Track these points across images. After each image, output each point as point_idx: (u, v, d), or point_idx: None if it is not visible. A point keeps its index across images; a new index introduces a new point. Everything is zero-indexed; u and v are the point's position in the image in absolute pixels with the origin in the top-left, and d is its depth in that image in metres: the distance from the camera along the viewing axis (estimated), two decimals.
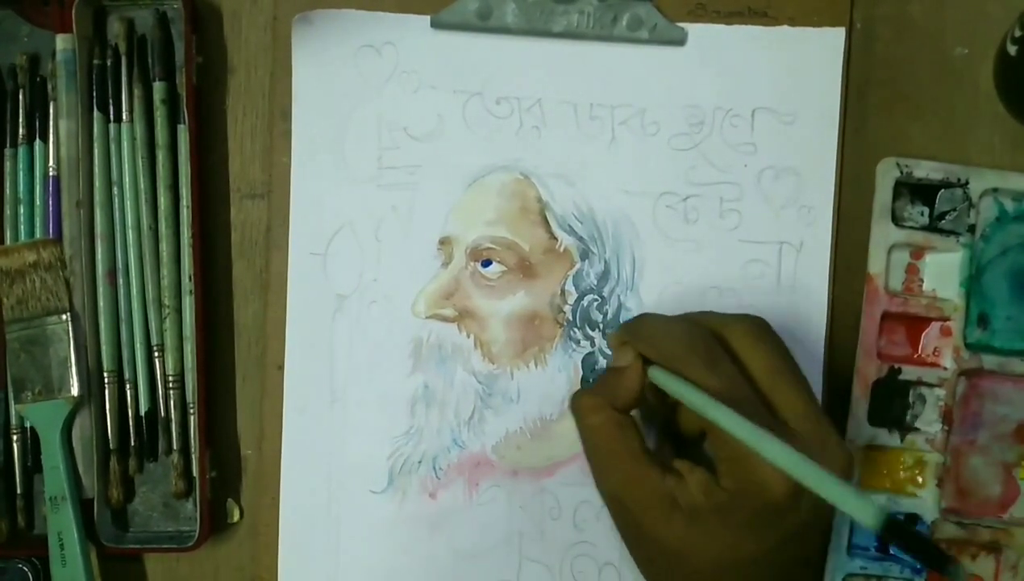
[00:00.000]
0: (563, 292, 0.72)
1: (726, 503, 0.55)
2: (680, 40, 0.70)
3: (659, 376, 0.59)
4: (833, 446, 0.56)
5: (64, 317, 0.70)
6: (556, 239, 0.71)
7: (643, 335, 0.62)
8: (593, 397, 0.61)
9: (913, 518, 0.73)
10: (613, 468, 0.59)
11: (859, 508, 0.44)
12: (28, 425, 0.72)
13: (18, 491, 0.72)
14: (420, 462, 0.72)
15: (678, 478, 0.57)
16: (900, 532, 0.43)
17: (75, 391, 0.70)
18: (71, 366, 0.70)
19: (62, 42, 0.70)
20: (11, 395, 0.71)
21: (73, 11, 0.69)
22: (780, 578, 0.57)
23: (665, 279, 0.71)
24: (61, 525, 0.70)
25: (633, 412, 0.62)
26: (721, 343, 0.59)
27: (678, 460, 0.59)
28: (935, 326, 0.73)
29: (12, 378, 0.71)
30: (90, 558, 0.70)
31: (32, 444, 0.72)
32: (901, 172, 0.72)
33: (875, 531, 0.44)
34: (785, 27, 0.70)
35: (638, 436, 0.59)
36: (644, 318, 0.65)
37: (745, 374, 0.58)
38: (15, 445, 0.72)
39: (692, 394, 0.55)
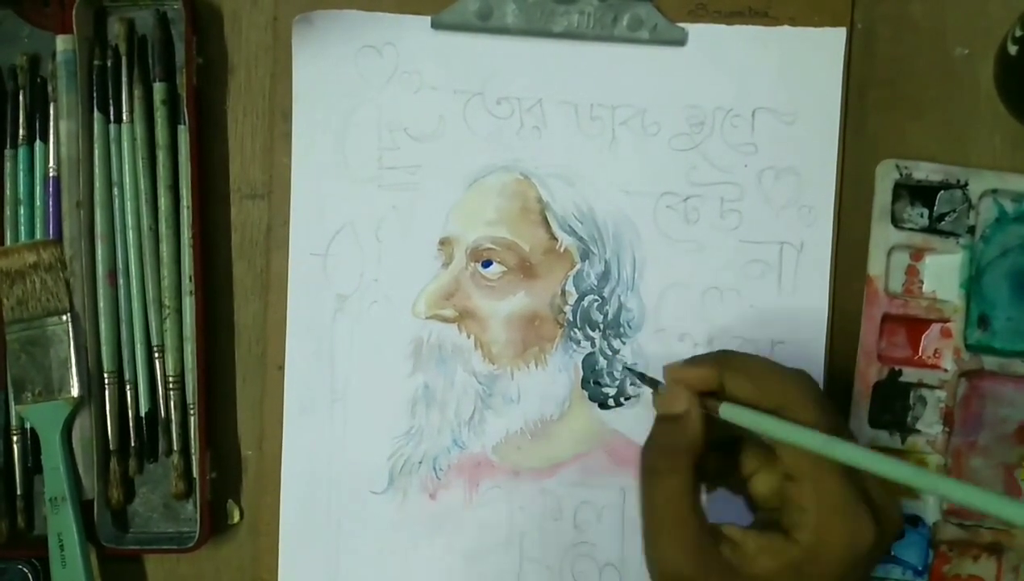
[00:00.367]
0: (563, 292, 0.72)
1: (800, 559, 0.52)
2: (681, 40, 0.70)
3: (745, 416, 0.54)
4: (894, 507, 0.53)
5: (64, 318, 0.70)
6: (556, 239, 0.71)
7: (745, 371, 0.56)
8: (669, 458, 0.55)
9: (914, 520, 0.73)
10: (676, 540, 0.54)
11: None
12: (28, 426, 0.72)
13: (18, 492, 0.72)
14: (420, 463, 0.72)
15: (732, 546, 0.53)
16: None
17: (75, 392, 0.70)
18: (71, 367, 0.70)
19: (62, 43, 0.70)
20: (11, 396, 0.71)
21: (73, 12, 0.69)
22: None
23: (666, 279, 0.71)
24: (61, 526, 0.70)
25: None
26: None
27: (724, 525, 0.54)
28: (935, 327, 0.73)
29: (12, 379, 0.71)
30: (90, 559, 0.70)
31: (32, 445, 0.72)
32: (900, 174, 0.72)
33: None
34: (786, 27, 0.70)
35: (699, 502, 0.54)
36: (742, 355, 0.59)
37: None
38: (15, 446, 0.72)
39: (804, 434, 0.51)
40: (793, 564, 0.52)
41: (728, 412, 0.54)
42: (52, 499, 0.70)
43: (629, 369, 0.61)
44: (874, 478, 0.52)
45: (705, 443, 0.55)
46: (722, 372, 0.56)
